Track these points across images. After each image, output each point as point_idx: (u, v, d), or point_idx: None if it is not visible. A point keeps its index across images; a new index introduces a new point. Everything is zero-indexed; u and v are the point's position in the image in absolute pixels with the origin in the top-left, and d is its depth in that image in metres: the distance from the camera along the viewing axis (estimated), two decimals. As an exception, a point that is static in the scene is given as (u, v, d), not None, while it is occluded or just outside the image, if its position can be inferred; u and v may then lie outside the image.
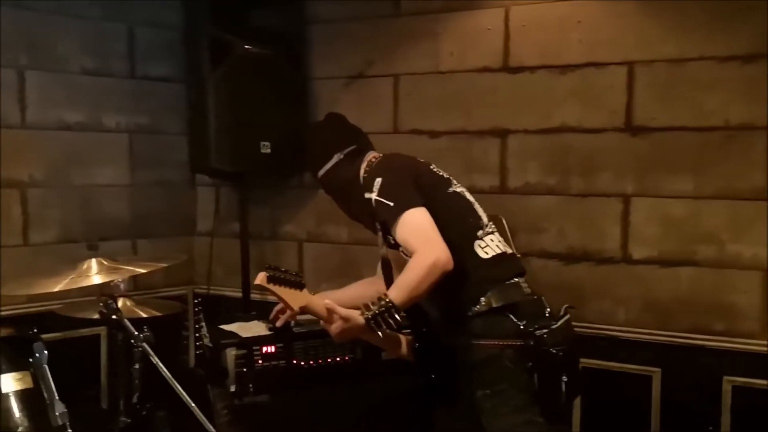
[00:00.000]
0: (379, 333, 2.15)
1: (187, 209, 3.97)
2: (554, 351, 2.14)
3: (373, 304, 2.14)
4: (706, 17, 2.87)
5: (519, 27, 3.19)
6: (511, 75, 3.21)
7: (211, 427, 2.27)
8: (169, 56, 3.77)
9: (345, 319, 2.17)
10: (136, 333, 2.43)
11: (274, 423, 2.70)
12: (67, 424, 2.23)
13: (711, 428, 2.89)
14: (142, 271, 2.74)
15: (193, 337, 2.60)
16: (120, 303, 2.64)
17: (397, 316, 2.13)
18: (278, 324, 2.56)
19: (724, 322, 2.90)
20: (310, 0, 3.64)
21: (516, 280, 2.28)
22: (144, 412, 2.63)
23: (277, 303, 2.48)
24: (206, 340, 2.72)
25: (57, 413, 2.22)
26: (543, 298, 2.30)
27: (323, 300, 2.22)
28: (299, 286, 2.16)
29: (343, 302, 2.28)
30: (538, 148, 3.19)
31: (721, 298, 2.90)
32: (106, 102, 3.60)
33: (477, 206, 2.39)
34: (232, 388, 2.66)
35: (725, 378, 2.87)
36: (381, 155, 2.46)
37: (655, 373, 2.99)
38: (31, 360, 2.27)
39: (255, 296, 3.71)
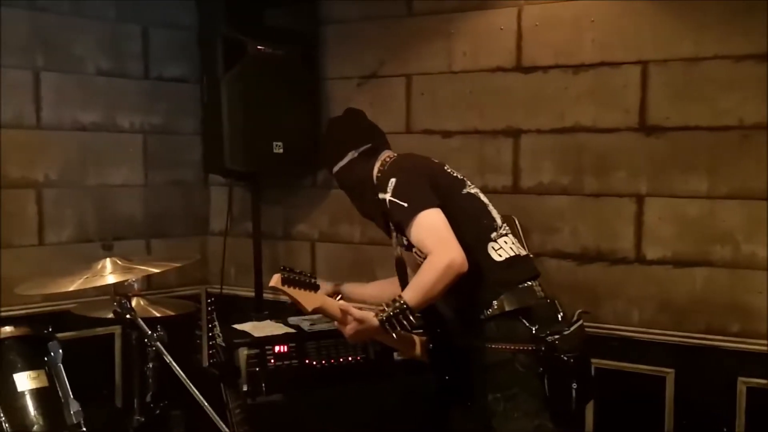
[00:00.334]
0: (393, 334, 2.15)
1: (200, 209, 3.99)
2: (565, 358, 2.13)
3: (387, 305, 2.14)
4: (721, 16, 2.85)
5: (532, 26, 3.18)
6: (524, 75, 3.20)
7: (224, 426, 2.28)
8: (183, 57, 3.79)
9: (359, 321, 2.17)
10: (150, 332, 2.45)
11: (286, 422, 2.70)
12: (82, 422, 2.24)
13: (725, 430, 2.87)
14: (156, 270, 2.76)
15: (206, 337, 2.61)
16: (134, 302, 2.66)
17: (411, 317, 2.12)
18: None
19: (739, 322, 2.87)
20: (323, 0, 3.64)
21: (529, 283, 2.27)
22: (158, 411, 2.65)
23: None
24: (219, 340, 2.73)
25: (72, 412, 2.23)
26: (556, 301, 2.29)
27: (338, 301, 2.22)
28: (313, 287, 2.16)
29: (364, 298, 2.28)
30: (551, 147, 3.17)
31: (736, 298, 2.88)
32: (120, 102, 3.62)
33: (491, 207, 2.38)
34: (245, 388, 2.67)
35: (740, 379, 2.85)
36: (396, 155, 2.45)
37: (669, 374, 2.98)
38: (46, 359, 2.29)
39: (268, 296, 3.72)
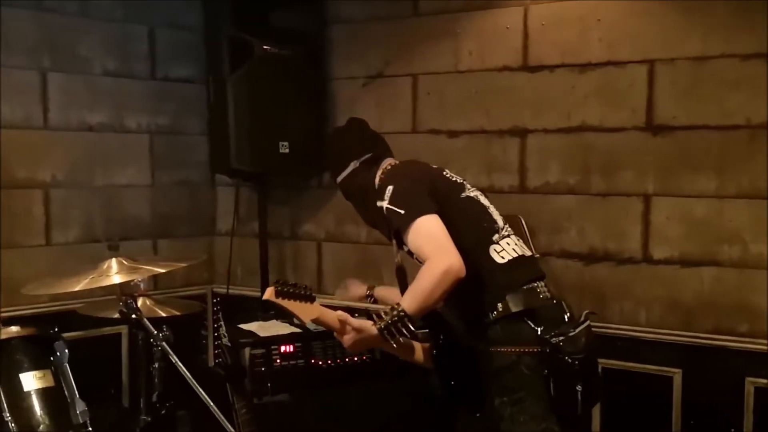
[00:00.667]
0: (393, 343, 2.14)
1: (207, 209, 3.99)
2: (570, 360, 2.11)
3: (385, 313, 2.13)
4: (728, 14, 2.83)
5: (538, 26, 3.17)
6: (530, 74, 3.20)
7: (229, 426, 2.28)
8: (189, 57, 3.79)
9: (358, 330, 2.16)
10: (156, 332, 2.45)
11: (292, 422, 2.70)
12: (88, 422, 2.24)
13: (733, 430, 2.85)
14: (162, 270, 2.76)
15: (212, 337, 2.61)
16: (140, 302, 2.66)
17: (410, 324, 2.11)
18: None
19: (747, 322, 2.86)
20: (329, 0, 3.64)
21: (534, 284, 2.25)
22: (164, 411, 2.65)
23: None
24: (225, 340, 2.73)
25: (78, 411, 2.23)
26: (563, 302, 2.27)
27: (335, 311, 2.21)
28: (309, 298, 2.15)
29: (392, 299, 2.27)
30: (558, 147, 3.16)
31: (744, 298, 2.86)
32: (127, 103, 3.63)
33: (492, 210, 2.36)
34: (251, 387, 2.67)
35: (748, 379, 2.83)
36: (396, 162, 2.45)
37: (677, 374, 2.96)
38: (52, 359, 2.29)
39: (274, 296, 3.73)
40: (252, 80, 3.42)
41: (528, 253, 2.34)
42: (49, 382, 2.24)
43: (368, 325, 2.15)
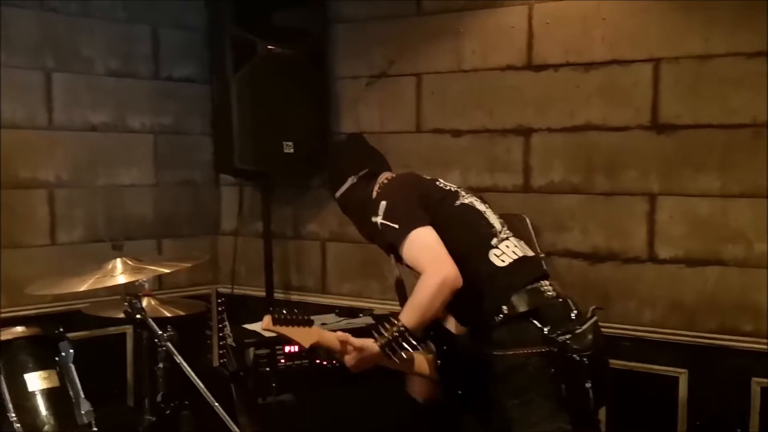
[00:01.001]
0: (396, 359, 2.12)
1: (210, 209, 4.00)
2: (578, 357, 2.09)
3: (385, 329, 2.11)
4: (732, 12, 2.82)
5: (542, 24, 3.16)
6: (534, 73, 3.19)
7: (234, 426, 2.28)
8: (192, 57, 3.80)
9: (359, 350, 2.14)
10: (160, 332, 2.45)
11: (296, 422, 2.71)
12: (93, 422, 2.25)
13: (739, 430, 2.84)
14: (167, 270, 2.76)
15: (217, 337, 2.61)
16: (144, 302, 2.66)
17: (411, 339, 2.10)
18: None
19: (752, 322, 2.85)
20: (332, 0, 3.64)
21: (537, 284, 2.23)
22: (168, 411, 2.65)
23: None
24: (230, 340, 2.73)
25: (83, 411, 2.24)
26: (569, 300, 2.25)
27: (335, 332, 2.19)
28: (308, 323, 2.14)
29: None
30: (562, 146, 3.16)
31: (749, 297, 2.85)
32: (130, 103, 3.63)
33: (489, 214, 2.35)
34: (255, 387, 2.67)
35: (753, 379, 2.83)
36: (393, 176, 2.44)
37: (682, 374, 2.96)
38: (57, 359, 2.29)
39: (278, 295, 3.73)
40: (255, 80, 3.41)
41: (530, 253, 2.33)
42: (54, 382, 2.24)
43: (369, 344, 2.13)
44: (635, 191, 3.03)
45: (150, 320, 2.44)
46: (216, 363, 2.66)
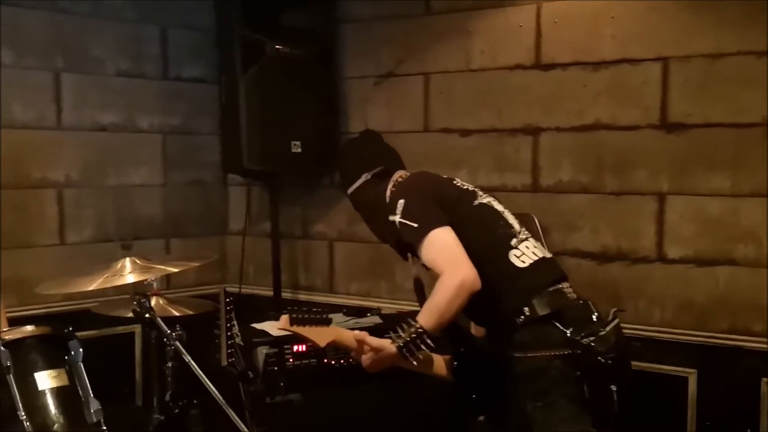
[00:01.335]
0: (413, 360, 2.11)
1: (219, 209, 4.00)
2: (602, 360, 2.08)
3: (403, 330, 2.10)
4: (743, 11, 2.81)
5: (551, 23, 3.15)
6: (543, 72, 3.18)
7: (242, 425, 2.28)
8: (201, 57, 3.80)
9: (376, 350, 2.13)
10: (169, 331, 2.46)
11: (305, 422, 2.71)
12: (102, 421, 2.25)
13: (749, 431, 2.82)
14: (175, 270, 2.77)
15: (225, 336, 2.61)
16: (153, 302, 2.67)
17: (429, 341, 2.08)
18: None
19: (763, 322, 2.83)
20: (340, 0, 3.64)
21: (558, 285, 2.22)
22: (177, 410, 2.65)
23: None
24: (238, 339, 2.74)
25: (92, 410, 2.24)
26: (589, 301, 2.23)
27: (352, 331, 2.18)
28: (325, 322, 2.13)
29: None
30: (570, 145, 3.15)
31: (759, 297, 2.83)
32: (139, 103, 3.64)
33: (507, 214, 2.33)
34: (264, 387, 2.67)
35: (764, 380, 2.81)
36: (408, 175, 2.43)
37: (692, 374, 2.94)
38: (66, 358, 2.30)
39: (286, 295, 3.73)
40: (264, 80, 3.42)
41: (548, 254, 2.31)
42: (64, 381, 2.24)
43: (386, 344, 2.12)
44: (645, 191, 3.02)
45: (159, 319, 2.45)
46: (224, 362, 2.66)
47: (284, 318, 2.11)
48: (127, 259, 2.71)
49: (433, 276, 2.19)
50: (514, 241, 2.25)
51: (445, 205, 2.24)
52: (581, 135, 3.12)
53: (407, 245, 2.25)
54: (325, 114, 3.59)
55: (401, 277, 3.56)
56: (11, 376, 2.15)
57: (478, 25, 3.32)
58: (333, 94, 3.65)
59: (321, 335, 2.13)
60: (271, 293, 3.67)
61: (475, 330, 2.34)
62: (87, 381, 2.28)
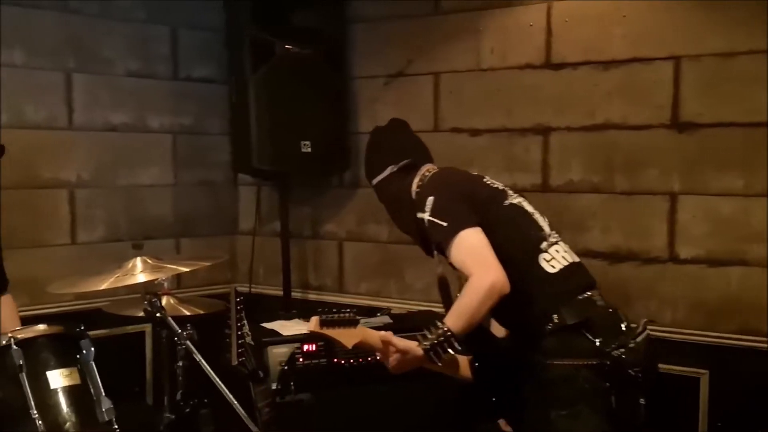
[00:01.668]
0: (439, 362, 2.08)
1: (229, 209, 4.01)
2: (632, 373, 2.05)
3: (430, 333, 2.07)
4: (754, 10, 2.79)
5: (561, 23, 3.14)
6: (553, 72, 3.17)
7: (253, 424, 2.28)
8: (211, 58, 3.81)
9: (403, 352, 2.09)
10: (180, 331, 2.47)
11: (315, 421, 2.71)
12: (114, 419, 2.26)
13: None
14: (186, 269, 2.78)
15: (236, 335, 2.62)
16: (164, 301, 2.68)
17: (456, 344, 2.06)
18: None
19: (776, 323, 2.82)
20: (350, 0, 3.64)
21: (588, 293, 2.18)
22: (188, 409, 2.66)
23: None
24: (248, 339, 2.74)
25: (104, 409, 2.25)
26: (618, 310, 2.20)
27: (379, 332, 2.15)
28: (353, 323, 2.12)
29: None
30: (581, 145, 3.14)
31: (772, 298, 2.82)
32: (150, 103, 3.65)
33: (538, 216, 2.29)
34: (274, 386, 2.67)
35: (776, 381, 2.80)
36: (435, 169, 2.39)
37: (704, 375, 2.92)
38: (78, 357, 2.30)
39: (296, 295, 3.74)
40: (273, 80, 3.42)
41: (576, 259, 2.26)
42: (76, 380, 2.25)
43: (413, 346, 2.08)
44: (656, 190, 3.00)
45: (169, 319, 2.46)
46: (234, 362, 2.66)
47: (314, 320, 2.09)
48: (138, 258, 2.72)
49: (459, 275, 2.17)
50: (544, 245, 2.21)
51: (476, 204, 2.20)
52: (592, 134, 3.11)
53: (436, 245, 2.22)
54: (334, 114, 3.60)
55: (411, 277, 3.56)
56: (23, 374, 2.16)
57: (488, 24, 3.31)
58: (342, 93, 3.65)
59: (348, 336, 2.11)
60: (280, 293, 3.67)
61: (495, 328, 2.32)
62: (99, 380, 2.29)
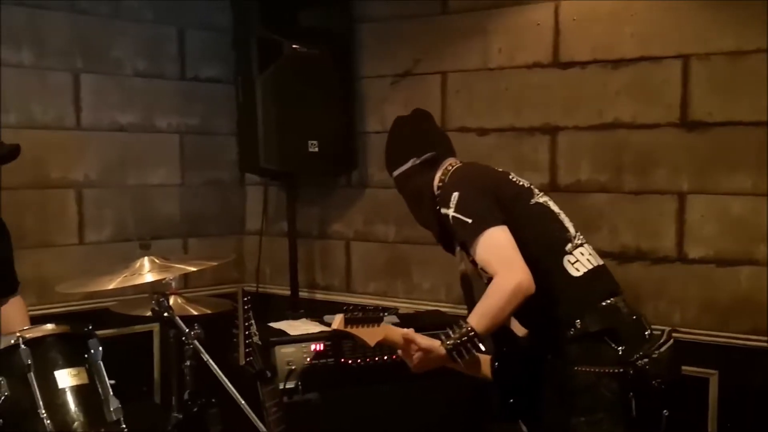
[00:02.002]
0: (461, 362, 2.06)
1: (236, 208, 4.01)
2: (656, 383, 2.02)
3: (453, 331, 2.04)
4: (763, 9, 2.77)
5: (569, 21, 3.13)
6: (561, 71, 3.16)
7: (260, 424, 2.28)
8: (218, 58, 3.82)
9: (425, 350, 2.08)
10: (187, 330, 2.47)
11: (322, 421, 2.70)
12: (121, 419, 2.26)
13: (772, 433, 2.79)
14: (193, 269, 2.78)
15: (243, 335, 2.62)
16: (171, 301, 2.68)
17: (480, 344, 2.03)
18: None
19: (786, 323, 2.80)
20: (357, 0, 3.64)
21: (612, 300, 2.14)
22: (195, 409, 2.66)
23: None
24: (256, 338, 2.74)
25: (111, 408, 2.25)
26: (642, 316, 2.16)
27: (402, 330, 2.13)
28: (377, 321, 2.10)
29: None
30: (589, 144, 3.13)
31: (783, 298, 2.80)
32: (157, 103, 3.66)
33: (563, 216, 2.25)
34: (281, 386, 2.67)
35: (787, 381, 2.78)
36: (458, 163, 2.34)
37: (713, 375, 2.91)
38: (86, 356, 2.31)
39: (303, 294, 3.74)
40: (281, 80, 3.42)
41: (601, 262, 2.23)
42: (84, 379, 2.25)
43: (436, 345, 2.06)
44: (665, 190, 2.99)
45: (177, 318, 2.46)
46: (242, 361, 2.66)
47: (339, 318, 2.07)
48: (146, 258, 2.72)
49: (481, 274, 2.14)
50: (569, 246, 2.17)
51: (502, 202, 2.15)
52: (600, 134, 3.10)
53: (460, 242, 2.19)
54: (342, 113, 3.59)
55: (418, 276, 3.55)
56: (32, 374, 2.16)
57: (496, 23, 3.30)
58: (350, 93, 3.64)
59: (371, 335, 2.10)
60: (288, 293, 3.67)
61: (516, 326, 2.27)
62: (107, 379, 2.29)
